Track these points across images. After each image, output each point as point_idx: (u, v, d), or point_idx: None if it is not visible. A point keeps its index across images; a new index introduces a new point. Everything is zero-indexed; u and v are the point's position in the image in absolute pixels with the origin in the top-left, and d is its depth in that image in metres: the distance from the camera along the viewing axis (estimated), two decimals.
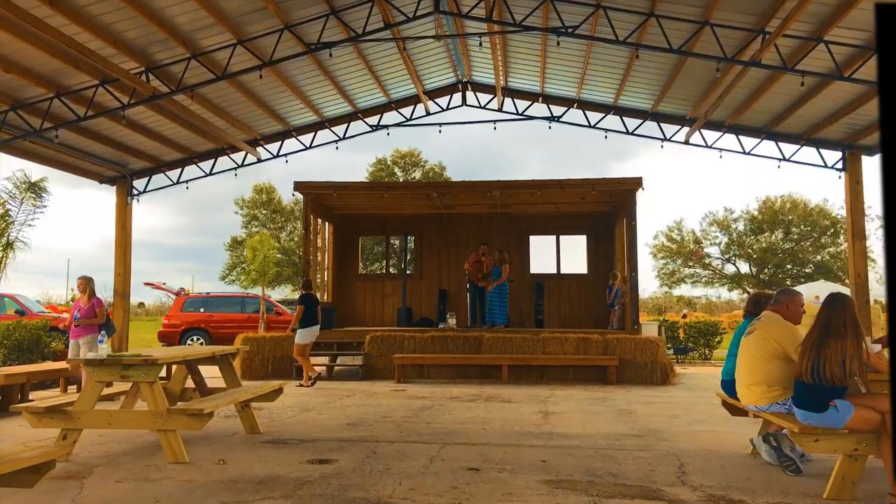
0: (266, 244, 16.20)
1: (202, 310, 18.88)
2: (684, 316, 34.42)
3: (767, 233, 52.88)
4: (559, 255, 15.61)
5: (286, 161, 13.41)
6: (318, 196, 13.84)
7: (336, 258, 15.48)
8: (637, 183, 12.57)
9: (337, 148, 13.34)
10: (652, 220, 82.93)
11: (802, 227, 51.69)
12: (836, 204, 49.97)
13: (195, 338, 18.61)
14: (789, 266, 51.84)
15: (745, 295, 58.20)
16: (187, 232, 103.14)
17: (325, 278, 15.35)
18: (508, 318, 13.96)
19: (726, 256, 54.84)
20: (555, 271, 15.59)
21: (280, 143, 13.49)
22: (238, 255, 36.03)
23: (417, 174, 42.42)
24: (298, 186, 13.11)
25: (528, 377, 12.13)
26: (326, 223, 15.07)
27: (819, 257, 50.31)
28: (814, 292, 30.76)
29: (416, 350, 12.38)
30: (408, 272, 15.89)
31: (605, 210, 14.76)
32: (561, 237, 15.62)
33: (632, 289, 12.85)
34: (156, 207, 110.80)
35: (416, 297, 15.57)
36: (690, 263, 54.85)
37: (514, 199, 13.93)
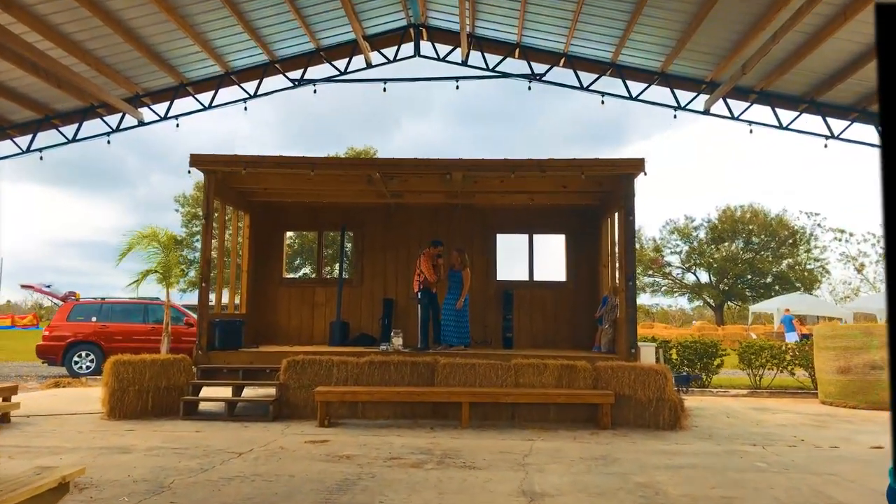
0: (164, 239, 12.87)
1: (94, 319, 15.42)
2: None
3: (727, 242, 51.75)
4: (532, 257, 12.72)
5: (177, 125, 10.17)
6: (225, 176, 10.66)
7: (254, 258, 12.28)
8: (637, 165, 9.76)
9: (245, 108, 10.18)
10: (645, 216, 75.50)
11: (763, 236, 50.77)
12: (793, 214, 49.20)
13: (84, 353, 15.15)
14: (749, 276, 50.68)
15: (704, 306, 56.76)
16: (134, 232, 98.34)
17: (241, 282, 12.15)
18: (470, 337, 11.01)
19: (687, 265, 53.33)
20: (527, 278, 12.69)
21: (170, 101, 10.24)
22: (178, 256, 32.37)
23: None
24: (196, 160, 9.90)
25: (495, 417, 9.19)
26: (240, 213, 11.88)
27: (776, 268, 49.22)
28: (786, 304, 28.68)
29: (348, 380, 9.32)
30: (345, 276, 12.80)
31: (590, 203, 11.92)
32: (535, 236, 12.73)
33: (628, 302, 10.04)
34: (102, 205, 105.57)
35: (355, 307, 12.48)
36: (651, 272, 53.11)
37: (480, 186, 10.99)
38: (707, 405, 11.47)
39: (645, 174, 9.68)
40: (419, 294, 10.51)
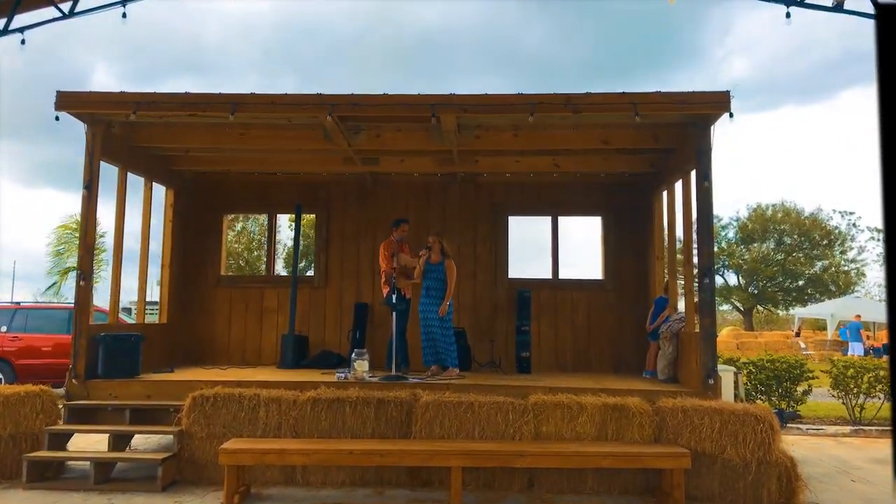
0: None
1: (4, 329, 12.32)
2: (797, 334, 27.75)
3: (758, 242, 48.24)
4: (557, 247, 9.43)
5: (22, 40, 6.96)
6: (125, 131, 7.52)
7: (180, 248, 9.11)
8: (719, 103, 6.47)
9: (124, 15, 6.98)
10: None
11: (795, 236, 47.38)
12: (826, 213, 45.63)
13: None
14: (781, 278, 47.13)
15: (730, 310, 53.17)
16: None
17: (162, 280, 9.02)
18: (471, 357, 7.79)
19: (714, 267, 49.78)
20: (549, 275, 9.41)
21: (12, 8, 7.04)
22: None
23: None
24: (66, 101, 6.73)
25: (503, 485, 5.97)
26: (156, 186, 8.72)
27: (809, 270, 45.69)
28: (852, 311, 24.80)
29: (281, 427, 6.12)
30: (305, 274, 9.59)
31: (638, 171, 8.63)
32: (560, 218, 9.44)
33: (704, 309, 6.76)
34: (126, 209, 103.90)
35: (317, 315, 9.29)
36: None
37: (484, 144, 7.74)
38: (807, 453, 8.10)
39: (731, 116, 6.40)
40: (394, 296, 7.27)
